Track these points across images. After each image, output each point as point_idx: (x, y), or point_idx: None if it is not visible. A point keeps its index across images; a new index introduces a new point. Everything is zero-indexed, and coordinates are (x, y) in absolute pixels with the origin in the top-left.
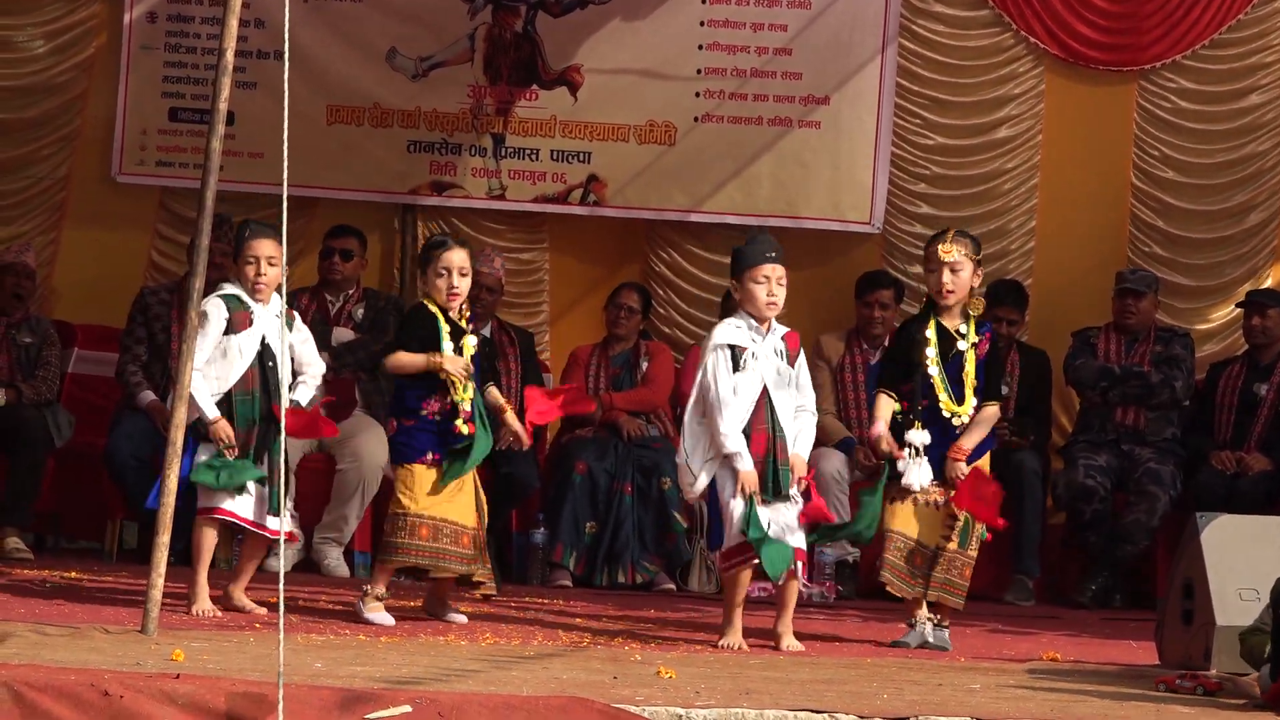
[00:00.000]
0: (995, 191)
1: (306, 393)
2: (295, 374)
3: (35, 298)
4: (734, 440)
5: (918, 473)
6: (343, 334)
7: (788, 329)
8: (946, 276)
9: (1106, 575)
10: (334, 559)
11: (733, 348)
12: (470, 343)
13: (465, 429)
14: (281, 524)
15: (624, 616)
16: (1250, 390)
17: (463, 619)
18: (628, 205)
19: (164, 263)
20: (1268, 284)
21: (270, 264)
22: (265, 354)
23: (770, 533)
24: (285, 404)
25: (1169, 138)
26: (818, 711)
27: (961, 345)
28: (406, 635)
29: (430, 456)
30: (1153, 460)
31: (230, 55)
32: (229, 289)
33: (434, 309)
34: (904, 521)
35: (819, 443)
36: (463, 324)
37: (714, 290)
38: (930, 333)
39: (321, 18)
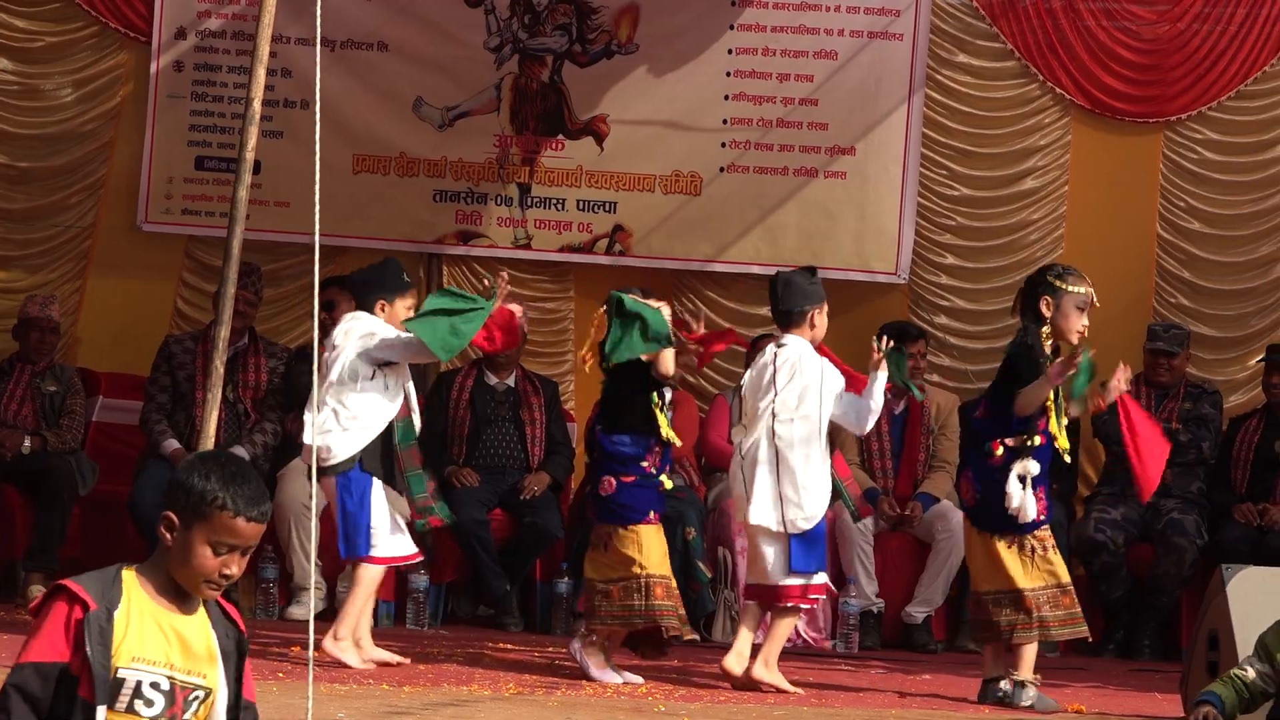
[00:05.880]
0: (1021, 242)
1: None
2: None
3: (59, 351)
4: None
5: (1027, 501)
6: None
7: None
8: (1086, 320)
9: (1130, 626)
10: None
11: None
12: None
13: (668, 483)
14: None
15: (647, 666)
16: (1268, 446)
17: (637, 679)
18: (653, 254)
19: (189, 311)
20: None
21: None
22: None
23: None
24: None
25: (1195, 189)
26: None
27: None
28: (430, 684)
29: (653, 515)
30: (1176, 510)
31: (258, 104)
32: None
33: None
34: (1033, 576)
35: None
36: None
37: None
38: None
39: (348, 67)
